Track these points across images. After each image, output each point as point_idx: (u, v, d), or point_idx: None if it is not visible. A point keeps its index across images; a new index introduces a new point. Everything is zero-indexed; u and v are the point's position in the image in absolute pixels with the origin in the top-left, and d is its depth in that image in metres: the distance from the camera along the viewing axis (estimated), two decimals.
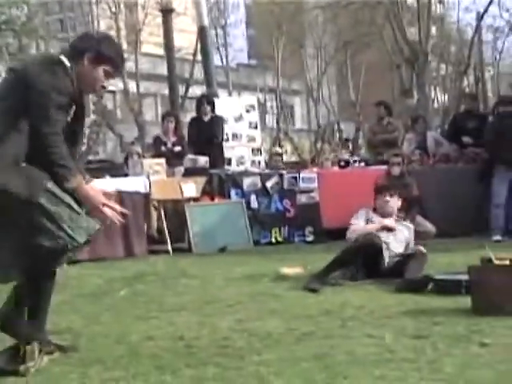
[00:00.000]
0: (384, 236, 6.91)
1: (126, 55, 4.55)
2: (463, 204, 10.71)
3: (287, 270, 7.02)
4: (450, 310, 4.99)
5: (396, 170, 10.62)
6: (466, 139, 11.63)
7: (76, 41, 4.38)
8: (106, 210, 4.03)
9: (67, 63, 4.06)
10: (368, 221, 7.27)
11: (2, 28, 7.73)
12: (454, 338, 4.15)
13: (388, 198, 7.32)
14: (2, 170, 3.81)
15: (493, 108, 12.12)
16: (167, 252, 9.96)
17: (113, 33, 34.74)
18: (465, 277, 5.22)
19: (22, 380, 3.74)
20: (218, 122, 11.97)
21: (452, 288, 5.49)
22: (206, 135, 11.66)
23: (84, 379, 3.67)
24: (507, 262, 4.97)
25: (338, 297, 5.82)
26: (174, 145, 11.69)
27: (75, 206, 3.92)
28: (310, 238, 10.91)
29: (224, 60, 42.74)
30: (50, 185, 3.87)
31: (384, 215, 7.25)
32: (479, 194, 10.69)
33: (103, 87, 4.34)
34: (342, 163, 12.18)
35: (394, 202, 7.36)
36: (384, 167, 10.90)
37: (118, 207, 4.14)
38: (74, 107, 4.08)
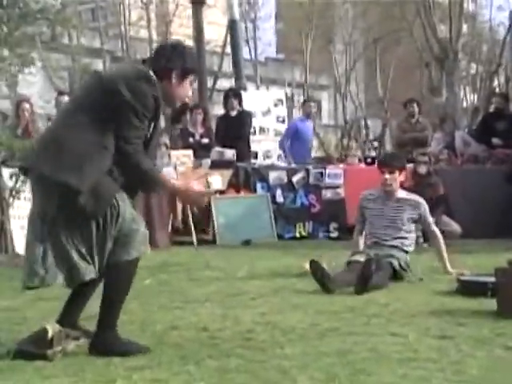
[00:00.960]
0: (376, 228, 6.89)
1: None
2: (490, 206, 10.68)
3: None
4: (474, 311, 4.97)
5: (423, 169, 10.59)
6: (496, 140, 11.60)
7: (159, 57, 4.30)
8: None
9: (155, 80, 4.10)
10: (365, 210, 7.07)
11: (37, 17, 7.77)
12: (478, 340, 4.14)
13: (387, 175, 6.95)
14: (85, 176, 3.88)
15: None
16: (191, 243, 9.98)
17: (143, 23, 34.89)
18: (491, 279, 5.19)
19: (49, 364, 3.77)
20: (245, 118, 11.97)
21: (478, 290, 5.46)
22: (234, 132, 11.67)
23: (109, 366, 3.70)
24: None
25: (363, 294, 5.83)
26: (201, 136, 11.71)
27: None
28: (335, 234, 10.92)
29: (253, 54, 42.64)
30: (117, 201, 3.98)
31: (386, 193, 7.01)
32: (507, 195, 10.65)
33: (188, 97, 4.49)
34: (369, 160, 12.16)
35: (394, 179, 6.95)
36: (410, 165, 10.86)
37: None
38: (152, 123, 4.15)
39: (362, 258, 6.41)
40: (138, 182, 4.16)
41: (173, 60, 4.25)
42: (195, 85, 15.96)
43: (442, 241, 6.96)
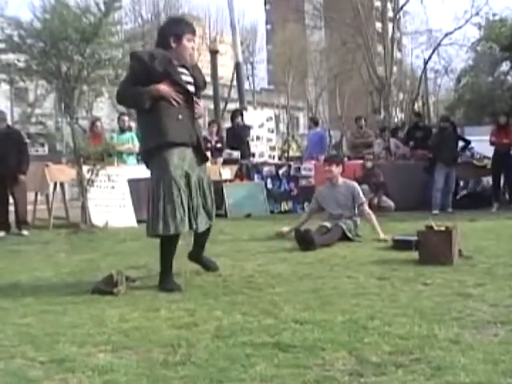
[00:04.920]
0: (331, 208, 6.74)
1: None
2: (414, 188, 10.70)
3: (285, 228, 6.88)
4: (404, 260, 4.97)
5: (369, 164, 10.60)
6: (411, 143, 11.82)
7: (158, 36, 4.26)
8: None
9: (134, 53, 4.23)
10: (317, 200, 6.93)
11: (106, 63, 7.89)
12: (406, 279, 4.15)
13: (327, 167, 6.82)
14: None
15: (437, 123, 12.14)
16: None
17: None
18: (414, 238, 5.19)
19: (115, 297, 3.79)
20: (246, 129, 11.99)
21: (405, 246, 5.46)
22: (238, 139, 11.68)
23: (155, 300, 3.70)
24: (443, 229, 4.97)
25: (328, 250, 5.81)
26: (216, 142, 11.67)
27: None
28: (307, 210, 10.89)
29: (251, 85, 42.61)
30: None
31: (330, 180, 6.83)
32: (425, 181, 10.66)
33: (193, 49, 4.20)
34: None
35: (335, 169, 6.77)
36: (360, 161, 10.85)
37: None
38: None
39: (328, 224, 6.40)
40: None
41: (165, 32, 4.18)
42: (211, 106, 15.93)
43: (372, 216, 6.71)
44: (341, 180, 6.88)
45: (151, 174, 4.15)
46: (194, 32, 4.25)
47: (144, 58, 4.03)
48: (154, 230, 3.98)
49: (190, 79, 4.18)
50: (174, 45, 4.11)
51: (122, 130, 10.48)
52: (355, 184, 6.93)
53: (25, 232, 8.25)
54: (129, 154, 10.29)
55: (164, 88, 4.00)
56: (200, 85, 4.29)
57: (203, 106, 4.42)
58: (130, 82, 4.10)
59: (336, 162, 6.91)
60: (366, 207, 6.84)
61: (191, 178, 4.07)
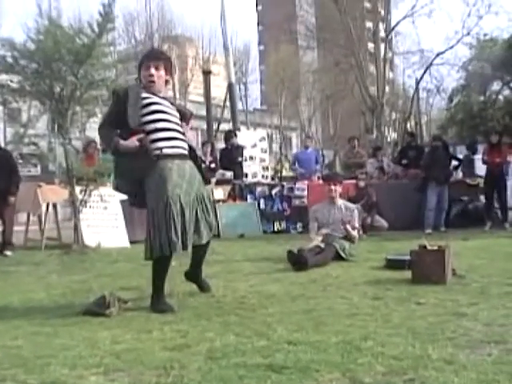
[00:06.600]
0: (326, 226, 6.77)
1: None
2: (406, 207, 10.74)
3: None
4: (397, 280, 4.96)
5: (362, 183, 10.64)
6: (404, 161, 11.85)
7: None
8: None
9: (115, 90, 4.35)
10: (317, 218, 6.94)
11: (99, 84, 7.94)
12: (399, 299, 4.13)
13: (332, 186, 6.95)
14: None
15: (429, 142, 12.20)
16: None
17: (169, 87, 34.85)
18: (407, 257, 5.20)
19: (107, 319, 3.78)
20: (239, 150, 12.04)
21: (399, 265, 5.46)
22: (231, 159, 11.71)
23: (147, 322, 3.68)
24: (435, 248, 4.97)
25: (321, 270, 5.80)
26: (210, 163, 11.70)
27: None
28: (300, 230, 10.89)
29: (244, 106, 42.80)
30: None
31: (331, 200, 6.93)
32: (417, 200, 10.68)
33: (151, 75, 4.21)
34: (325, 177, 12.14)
35: (337, 189, 6.97)
36: (353, 181, 10.89)
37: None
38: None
39: (322, 244, 6.39)
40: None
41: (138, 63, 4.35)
42: (204, 127, 15.98)
43: (354, 234, 6.83)
44: (340, 200, 6.95)
45: (148, 191, 4.07)
46: (151, 59, 4.29)
47: (121, 98, 4.11)
48: (151, 253, 3.97)
49: (163, 108, 4.21)
50: (140, 74, 4.27)
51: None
52: (355, 208, 7.05)
53: (8, 253, 8.26)
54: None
55: (128, 144, 4.01)
56: (185, 112, 4.38)
57: (192, 134, 4.50)
58: (108, 117, 4.21)
59: (339, 181, 7.07)
60: (356, 234, 6.90)
61: (190, 195, 4.07)
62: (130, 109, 4.04)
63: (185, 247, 4.02)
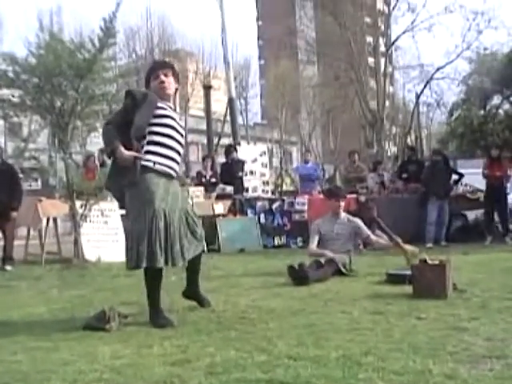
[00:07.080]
0: (328, 240, 6.83)
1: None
2: (407, 221, 10.69)
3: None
4: (397, 294, 4.96)
5: (362, 198, 10.65)
6: (404, 175, 11.88)
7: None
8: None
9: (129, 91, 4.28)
10: (320, 232, 6.95)
11: (100, 99, 7.98)
12: (400, 314, 4.13)
13: (342, 202, 7.11)
14: None
15: (430, 157, 12.22)
16: (203, 251, 9.90)
17: (177, 95, 35.00)
18: (408, 272, 5.19)
19: (107, 334, 3.78)
20: (239, 164, 12.05)
21: (399, 280, 5.45)
22: (232, 174, 11.73)
23: (147, 336, 3.67)
24: (436, 262, 4.98)
25: (322, 285, 5.79)
26: (210, 177, 11.73)
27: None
28: (301, 244, 10.87)
29: (245, 120, 42.93)
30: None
31: (335, 215, 7.00)
32: (418, 214, 10.68)
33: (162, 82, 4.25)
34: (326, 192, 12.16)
35: (343, 203, 7.16)
36: (353, 195, 10.89)
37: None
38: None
39: (322, 259, 6.39)
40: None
41: (146, 77, 4.35)
42: (205, 141, 16.03)
43: (381, 240, 7.00)
44: (343, 214, 7.00)
45: (130, 201, 4.06)
46: (158, 68, 4.34)
47: (137, 96, 4.08)
48: (131, 263, 3.98)
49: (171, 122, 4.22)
50: (150, 84, 4.27)
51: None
52: (358, 220, 7.09)
53: (8, 267, 8.25)
54: None
55: (126, 158, 3.98)
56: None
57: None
58: (117, 117, 4.20)
59: (344, 196, 7.33)
60: (372, 236, 7.00)
61: (175, 212, 4.08)
62: (139, 116, 4.02)
63: (173, 263, 4.01)
